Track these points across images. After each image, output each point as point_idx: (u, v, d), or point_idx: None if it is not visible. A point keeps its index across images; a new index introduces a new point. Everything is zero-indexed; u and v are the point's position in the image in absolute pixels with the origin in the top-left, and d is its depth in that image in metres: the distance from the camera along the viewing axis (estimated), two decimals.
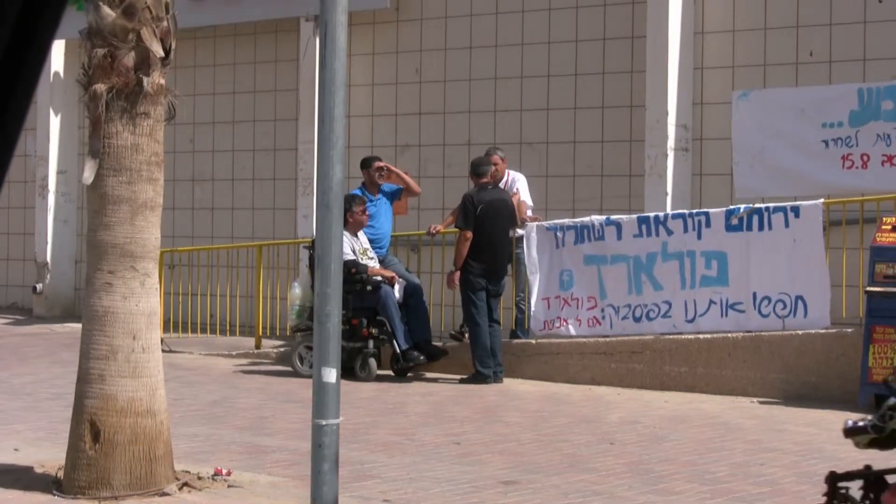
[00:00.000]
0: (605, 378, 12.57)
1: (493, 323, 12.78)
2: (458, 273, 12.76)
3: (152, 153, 7.68)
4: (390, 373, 13.19)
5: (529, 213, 13.55)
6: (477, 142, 15.33)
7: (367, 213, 13.33)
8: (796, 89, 13.41)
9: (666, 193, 14.01)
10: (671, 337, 12.37)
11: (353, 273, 12.65)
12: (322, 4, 6.21)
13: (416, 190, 14.12)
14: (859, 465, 8.94)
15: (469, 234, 12.68)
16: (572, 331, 12.93)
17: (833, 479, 7.33)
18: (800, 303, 11.85)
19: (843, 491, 6.97)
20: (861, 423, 7.36)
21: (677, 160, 14.11)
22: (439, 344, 13.41)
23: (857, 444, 7.65)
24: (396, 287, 13.28)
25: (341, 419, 6.46)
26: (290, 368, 13.51)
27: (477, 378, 12.64)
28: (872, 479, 6.76)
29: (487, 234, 12.70)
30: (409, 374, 13.18)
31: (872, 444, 7.46)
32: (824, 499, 6.83)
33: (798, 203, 12.05)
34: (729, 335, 12.11)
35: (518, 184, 13.60)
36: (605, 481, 8.20)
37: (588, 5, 15.03)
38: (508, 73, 15.58)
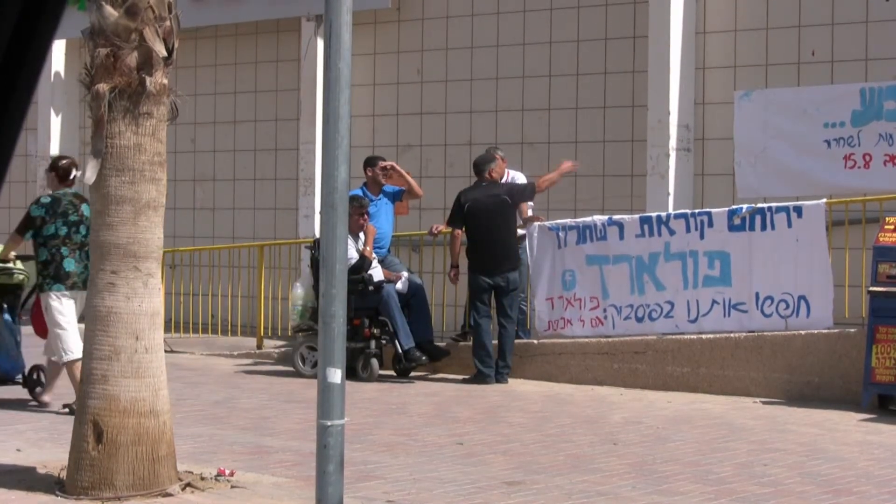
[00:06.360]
0: (607, 378, 12.56)
1: (506, 321, 12.72)
2: (454, 270, 12.93)
3: (155, 153, 7.66)
4: (392, 373, 13.17)
5: (530, 212, 13.52)
6: (478, 142, 15.31)
7: (365, 216, 13.15)
8: (798, 89, 13.39)
9: (668, 193, 13.99)
10: (674, 337, 12.35)
11: (360, 275, 12.65)
12: (327, 4, 6.19)
13: (418, 192, 14.08)
14: (859, 465, 8.95)
15: (458, 233, 12.85)
16: (577, 331, 12.91)
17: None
18: (803, 303, 11.84)
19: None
20: None
21: (679, 160, 14.10)
22: (441, 344, 13.40)
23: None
24: (401, 281, 13.25)
25: (346, 420, 6.44)
26: (291, 369, 13.49)
27: (478, 378, 12.63)
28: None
29: (478, 229, 12.74)
30: (411, 375, 13.16)
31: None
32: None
33: (801, 203, 12.03)
34: (732, 335, 12.09)
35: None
36: (609, 482, 8.18)
37: (589, 5, 15.01)
38: (510, 73, 15.56)
